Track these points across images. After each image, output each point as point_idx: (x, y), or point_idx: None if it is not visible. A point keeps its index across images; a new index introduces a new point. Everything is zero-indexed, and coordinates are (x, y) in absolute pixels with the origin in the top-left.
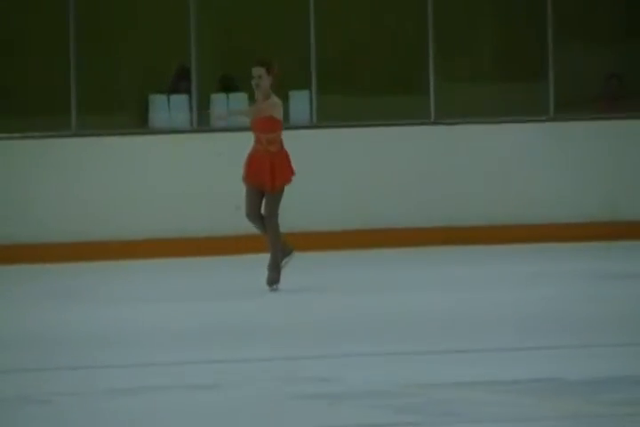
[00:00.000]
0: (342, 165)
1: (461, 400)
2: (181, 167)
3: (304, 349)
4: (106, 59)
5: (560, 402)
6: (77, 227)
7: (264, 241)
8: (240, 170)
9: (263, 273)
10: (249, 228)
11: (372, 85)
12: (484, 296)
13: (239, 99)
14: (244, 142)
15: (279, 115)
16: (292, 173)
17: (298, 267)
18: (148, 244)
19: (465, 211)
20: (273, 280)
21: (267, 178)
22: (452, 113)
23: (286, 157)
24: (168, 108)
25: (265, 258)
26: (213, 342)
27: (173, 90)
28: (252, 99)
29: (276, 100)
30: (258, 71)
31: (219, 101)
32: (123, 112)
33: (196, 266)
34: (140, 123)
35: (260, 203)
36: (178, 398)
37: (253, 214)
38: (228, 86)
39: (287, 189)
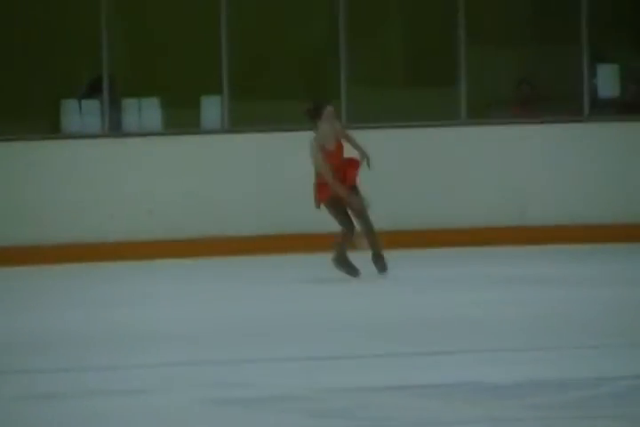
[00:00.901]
0: (255, 169)
1: (379, 405)
2: (93, 171)
3: (222, 353)
4: (18, 63)
5: (477, 406)
6: None
7: (178, 246)
8: (153, 173)
9: (178, 278)
10: (163, 232)
11: (284, 90)
12: (399, 300)
13: (151, 104)
14: (156, 147)
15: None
16: (323, 196)
17: (210, 275)
18: (59, 249)
19: (374, 215)
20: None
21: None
22: (363, 118)
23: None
24: (80, 112)
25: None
26: (131, 347)
27: (86, 98)
28: (164, 103)
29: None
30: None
31: (130, 107)
32: (35, 117)
33: (111, 271)
34: (52, 128)
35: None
36: (97, 403)
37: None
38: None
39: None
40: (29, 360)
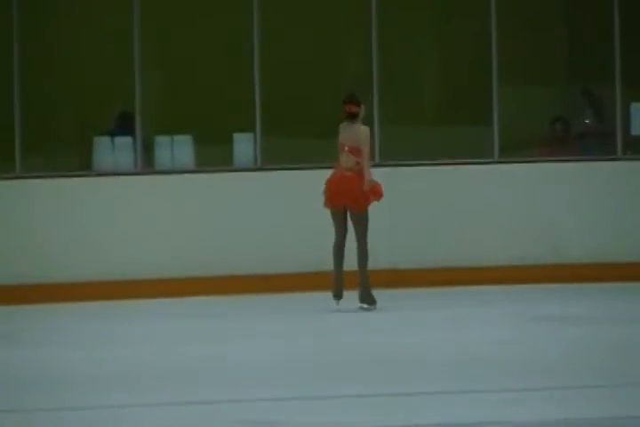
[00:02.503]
0: (289, 206)
1: None
2: (127, 209)
3: (250, 392)
4: (49, 100)
5: None
6: (20, 270)
7: (210, 283)
8: (186, 210)
9: (199, 316)
10: (195, 270)
11: (317, 128)
12: (418, 339)
13: (184, 141)
14: (188, 184)
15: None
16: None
17: (233, 312)
18: (94, 286)
19: (407, 255)
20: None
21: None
22: (397, 155)
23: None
24: (112, 150)
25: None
26: (158, 386)
27: (116, 132)
28: (196, 141)
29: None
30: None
31: (163, 144)
32: (67, 154)
33: (130, 309)
34: (84, 165)
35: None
36: None
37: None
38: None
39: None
40: (28, 398)
